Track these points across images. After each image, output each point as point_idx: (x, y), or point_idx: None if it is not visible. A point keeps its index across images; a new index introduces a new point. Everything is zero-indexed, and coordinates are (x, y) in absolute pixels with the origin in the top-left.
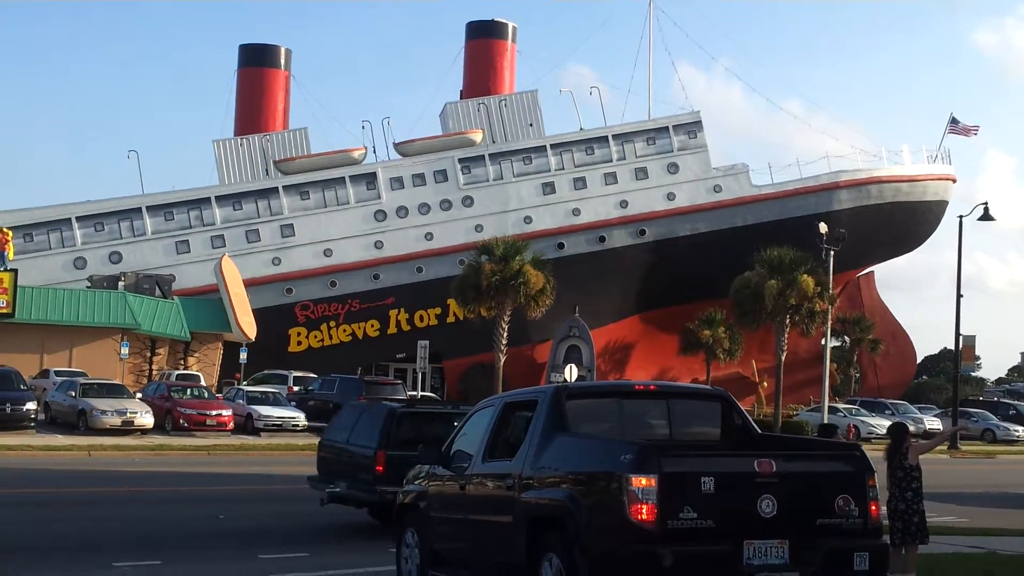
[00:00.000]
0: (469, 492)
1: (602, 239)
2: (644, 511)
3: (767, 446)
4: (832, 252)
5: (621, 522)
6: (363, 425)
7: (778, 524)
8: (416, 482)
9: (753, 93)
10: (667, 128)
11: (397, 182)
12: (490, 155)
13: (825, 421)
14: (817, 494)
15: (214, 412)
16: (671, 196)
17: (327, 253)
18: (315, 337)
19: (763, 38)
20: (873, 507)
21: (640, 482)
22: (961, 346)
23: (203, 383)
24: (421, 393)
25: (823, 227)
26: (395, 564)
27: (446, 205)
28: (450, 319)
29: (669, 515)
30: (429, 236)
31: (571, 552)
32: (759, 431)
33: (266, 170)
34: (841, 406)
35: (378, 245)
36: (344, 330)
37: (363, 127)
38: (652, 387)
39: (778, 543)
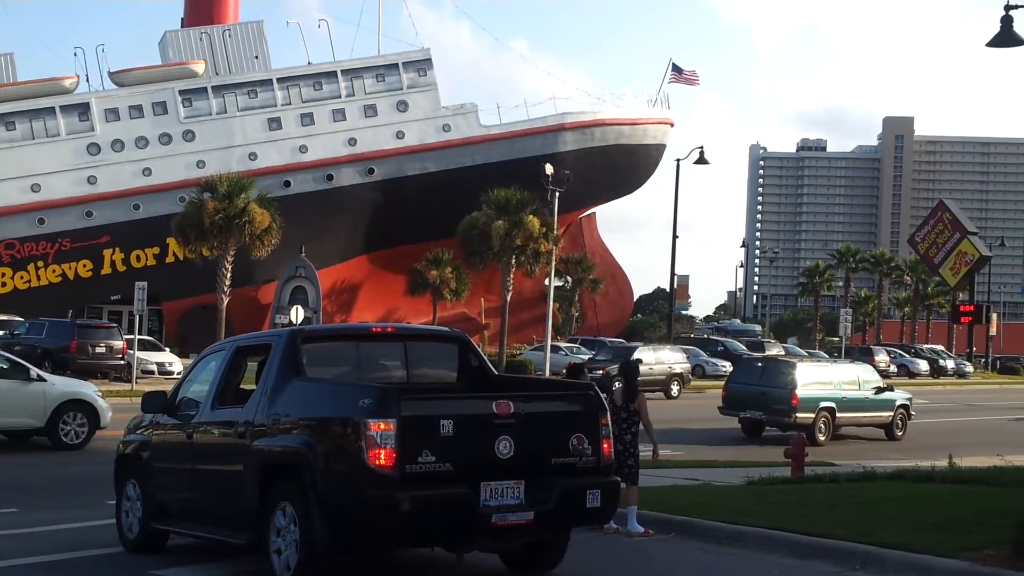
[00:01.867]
0: (197, 441)
1: (330, 177)
2: (382, 456)
3: (504, 387)
4: (557, 193)
5: (359, 468)
6: (769, 374)
7: (515, 465)
8: (138, 432)
9: (481, 31)
10: (397, 65)
11: (112, 113)
12: (213, 87)
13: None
14: (553, 434)
15: None
16: (400, 135)
17: (35, 188)
18: (21, 278)
19: None
20: (605, 445)
21: (378, 427)
22: (675, 285)
23: None
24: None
25: (549, 168)
26: (115, 518)
27: (166, 139)
28: (169, 259)
29: (407, 459)
30: (147, 172)
31: (306, 500)
32: (495, 372)
33: None
34: (563, 345)
35: (91, 180)
36: (53, 270)
37: (75, 54)
38: (389, 329)
39: (514, 484)
